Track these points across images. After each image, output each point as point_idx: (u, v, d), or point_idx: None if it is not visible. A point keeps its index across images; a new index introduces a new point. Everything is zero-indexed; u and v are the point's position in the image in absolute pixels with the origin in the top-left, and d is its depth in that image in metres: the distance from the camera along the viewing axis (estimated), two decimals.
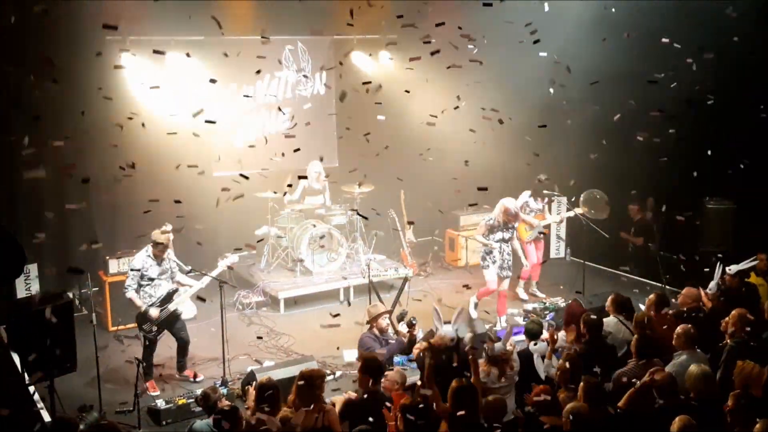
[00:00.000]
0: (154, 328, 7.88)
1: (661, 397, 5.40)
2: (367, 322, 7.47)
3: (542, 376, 6.45)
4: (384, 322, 7.41)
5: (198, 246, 8.89)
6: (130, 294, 7.88)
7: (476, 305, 9.48)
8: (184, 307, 9.70)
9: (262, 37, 8.28)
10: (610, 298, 7.31)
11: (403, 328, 7.49)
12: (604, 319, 6.95)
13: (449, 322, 6.61)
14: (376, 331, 7.39)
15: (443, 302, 8.89)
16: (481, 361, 6.36)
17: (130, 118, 7.48)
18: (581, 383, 5.42)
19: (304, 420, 5.37)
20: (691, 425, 4.83)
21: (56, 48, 9.50)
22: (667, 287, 9.95)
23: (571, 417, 5.06)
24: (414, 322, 7.41)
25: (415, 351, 6.90)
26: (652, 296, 7.42)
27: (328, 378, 7.60)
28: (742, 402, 5.01)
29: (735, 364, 5.70)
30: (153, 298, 7.92)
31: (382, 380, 6.13)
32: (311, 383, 5.55)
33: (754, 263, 7.86)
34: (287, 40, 11.86)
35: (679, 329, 6.30)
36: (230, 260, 8.31)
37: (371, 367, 5.90)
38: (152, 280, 7.93)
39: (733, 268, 7.81)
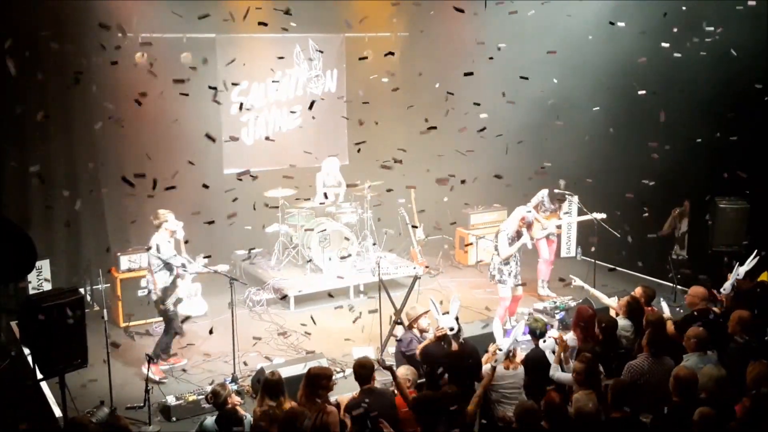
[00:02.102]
0: (174, 307, 8.09)
1: (676, 395, 5.37)
2: (408, 325, 7.44)
3: (557, 369, 6.45)
4: (424, 322, 7.34)
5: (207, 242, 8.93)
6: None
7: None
8: (194, 302, 9.83)
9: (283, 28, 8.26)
10: (622, 301, 7.26)
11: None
12: (620, 322, 6.91)
13: (447, 313, 6.73)
14: (417, 332, 7.33)
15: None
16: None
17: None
18: (611, 384, 5.43)
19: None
20: (710, 416, 4.82)
21: (65, 45, 9.57)
22: (678, 287, 9.92)
23: (574, 415, 5.07)
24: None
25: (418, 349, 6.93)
26: (638, 290, 7.41)
27: (337, 375, 7.62)
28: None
29: (741, 365, 5.69)
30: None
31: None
32: (316, 382, 5.60)
33: (756, 260, 7.80)
34: (298, 37, 11.87)
35: (690, 332, 6.27)
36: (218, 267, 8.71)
37: (358, 374, 5.97)
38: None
39: (741, 271, 7.74)
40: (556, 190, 10.59)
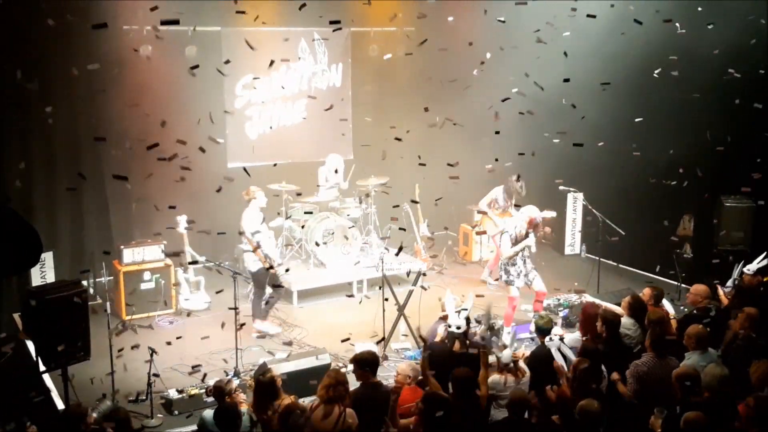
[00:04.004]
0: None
1: (681, 394, 5.36)
2: (442, 316, 7.42)
3: (564, 367, 6.44)
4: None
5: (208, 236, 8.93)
6: None
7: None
8: (197, 296, 9.85)
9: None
10: (625, 300, 7.23)
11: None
12: (623, 320, 6.89)
13: (459, 311, 6.62)
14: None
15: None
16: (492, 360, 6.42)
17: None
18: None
19: (326, 420, 5.38)
20: (702, 421, 4.79)
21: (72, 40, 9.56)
22: (683, 285, 9.89)
23: (578, 414, 5.05)
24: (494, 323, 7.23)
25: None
26: (647, 290, 7.39)
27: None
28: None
29: (744, 363, 5.67)
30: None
31: (395, 374, 6.17)
32: (339, 384, 5.55)
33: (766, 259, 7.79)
34: (304, 31, 11.83)
35: (690, 330, 6.26)
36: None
37: (368, 361, 5.95)
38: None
39: (752, 267, 7.72)
40: (561, 187, 10.56)
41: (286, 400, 5.88)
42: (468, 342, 6.44)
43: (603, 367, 6.06)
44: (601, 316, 6.61)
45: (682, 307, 9.01)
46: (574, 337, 6.94)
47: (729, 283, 7.77)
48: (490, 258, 11.01)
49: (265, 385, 5.85)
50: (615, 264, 11.26)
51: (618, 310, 7.43)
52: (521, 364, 6.35)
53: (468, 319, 6.46)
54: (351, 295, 7.84)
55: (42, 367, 6.75)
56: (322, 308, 9.94)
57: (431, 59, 11.17)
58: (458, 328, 6.44)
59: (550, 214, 10.07)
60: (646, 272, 10.74)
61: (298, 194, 10.62)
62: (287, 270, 9.48)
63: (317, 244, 10.30)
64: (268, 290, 9.07)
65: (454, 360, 6.21)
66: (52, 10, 9.24)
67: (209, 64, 10.74)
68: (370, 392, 5.83)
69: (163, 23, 6.14)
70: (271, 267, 8.85)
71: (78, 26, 9.37)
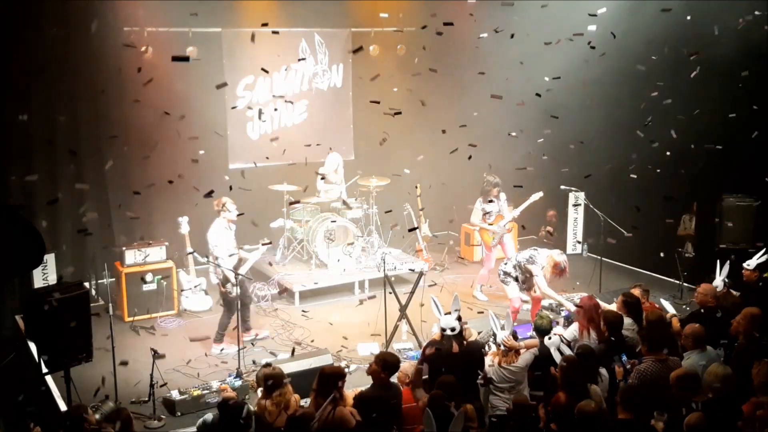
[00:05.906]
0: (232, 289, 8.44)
1: (679, 395, 5.35)
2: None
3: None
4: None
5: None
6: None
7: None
8: (199, 297, 9.84)
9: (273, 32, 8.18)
10: (619, 300, 7.20)
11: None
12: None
13: (449, 313, 6.52)
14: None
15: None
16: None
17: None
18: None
19: (319, 416, 5.38)
20: (704, 423, 4.78)
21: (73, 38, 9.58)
22: (685, 284, 9.89)
23: (577, 416, 5.04)
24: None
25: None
26: (635, 290, 7.38)
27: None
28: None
29: (746, 363, 5.65)
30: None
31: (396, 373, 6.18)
32: (329, 381, 5.57)
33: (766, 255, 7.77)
34: (304, 32, 11.83)
35: (686, 330, 6.24)
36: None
37: (389, 363, 5.94)
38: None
39: (751, 263, 7.71)
40: (562, 186, 10.55)
41: (293, 398, 5.90)
42: (465, 341, 6.42)
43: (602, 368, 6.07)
44: (603, 316, 6.60)
45: (684, 306, 9.00)
46: (571, 330, 6.92)
47: (716, 282, 7.70)
48: (483, 276, 10.51)
49: (270, 374, 5.94)
50: (616, 263, 11.25)
51: (611, 307, 7.45)
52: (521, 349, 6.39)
53: (460, 319, 6.43)
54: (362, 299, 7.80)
55: (44, 369, 6.76)
56: (323, 309, 9.94)
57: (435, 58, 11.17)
58: (452, 330, 6.36)
59: (538, 195, 10.00)
60: (648, 271, 10.75)
61: (295, 202, 10.54)
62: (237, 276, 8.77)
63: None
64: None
65: (453, 360, 6.18)
66: (53, 15, 9.32)
67: (210, 64, 10.82)
68: (381, 392, 5.83)
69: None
70: (224, 284, 8.45)
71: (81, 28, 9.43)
